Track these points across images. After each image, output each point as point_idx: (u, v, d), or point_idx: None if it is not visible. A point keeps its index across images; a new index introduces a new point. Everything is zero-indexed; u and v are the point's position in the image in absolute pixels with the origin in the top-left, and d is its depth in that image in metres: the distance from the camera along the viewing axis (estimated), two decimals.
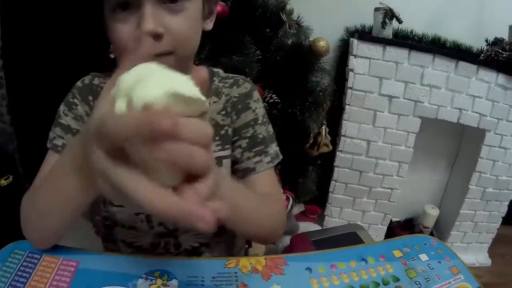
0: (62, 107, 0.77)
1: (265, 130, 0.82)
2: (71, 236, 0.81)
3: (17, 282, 0.69)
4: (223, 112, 0.80)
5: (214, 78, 0.83)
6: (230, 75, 0.86)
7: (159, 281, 0.71)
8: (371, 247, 0.87)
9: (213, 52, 0.92)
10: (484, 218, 2.27)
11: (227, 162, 0.82)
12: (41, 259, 0.74)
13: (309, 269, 0.77)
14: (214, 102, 0.80)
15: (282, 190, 1.80)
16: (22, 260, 0.74)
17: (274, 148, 0.83)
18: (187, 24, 0.67)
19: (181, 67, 0.70)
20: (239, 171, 0.81)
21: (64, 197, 0.54)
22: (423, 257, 0.84)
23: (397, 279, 0.77)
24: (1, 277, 0.70)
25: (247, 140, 0.81)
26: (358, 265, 0.79)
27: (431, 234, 2.40)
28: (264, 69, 1.51)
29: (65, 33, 1.67)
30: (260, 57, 1.47)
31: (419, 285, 0.75)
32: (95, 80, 0.79)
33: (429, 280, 0.77)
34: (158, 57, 0.64)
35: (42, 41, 1.82)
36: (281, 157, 0.84)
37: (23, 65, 1.91)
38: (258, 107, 0.84)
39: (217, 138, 0.80)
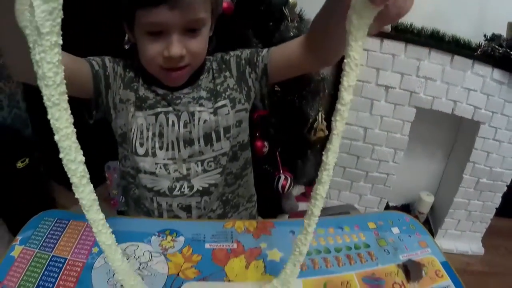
0: (107, 57, 1.05)
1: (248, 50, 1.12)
2: None
3: (48, 243, 0.87)
4: (212, 81, 1.09)
5: (207, 62, 1.11)
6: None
7: (169, 238, 0.91)
8: (349, 218, 1.08)
9: (219, 46, 1.16)
10: (478, 208, 2.62)
11: (244, 115, 1.12)
12: (69, 223, 0.93)
13: (292, 232, 0.95)
14: (205, 77, 1.10)
15: (281, 171, 2.17)
16: (52, 225, 0.92)
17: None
18: (202, 43, 0.97)
19: (195, 69, 1.03)
20: (273, 68, 1.06)
21: None
22: (395, 230, 0.99)
23: (367, 246, 0.93)
24: (34, 240, 0.87)
25: (247, 62, 1.09)
26: (335, 232, 0.97)
27: (427, 219, 2.82)
28: None
29: (84, 23, 1.96)
30: None
31: (387, 253, 0.92)
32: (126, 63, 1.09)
33: (398, 249, 0.93)
34: (179, 69, 0.96)
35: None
36: None
37: None
38: (231, 52, 1.13)
39: (224, 96, 1.08)
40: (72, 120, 0.57)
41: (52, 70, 0.53)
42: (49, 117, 0.55)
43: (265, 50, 1.08)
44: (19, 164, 2.16)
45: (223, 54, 1.15)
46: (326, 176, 0.67)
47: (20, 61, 0.72)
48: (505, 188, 2.56)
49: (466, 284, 0.83)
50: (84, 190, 0.60)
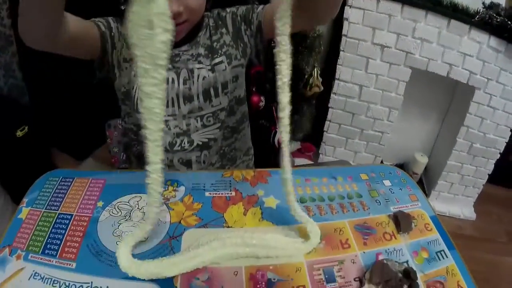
0: (110, 17, 1.09)
1: (243, 7, 1.16)
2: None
3: (54, 202, 0.90)
4: (209, 38, 1.14)
5: (205, 18, 1.16)
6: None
7: (171, 188, 0.96)
8: (342, 169, 1.12)
9: (216, 4, 1.20)
10: (471, 173, 2.68)
11: (240, 70, 1.17)
12: (73, 181, 0.96)
13: None
14: (203, 34, 1.14)
15: (277, 125, 2.22)
16: (57, 184, 0.95)
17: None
18: (200, 0, 1.02)
19: (193, 24, 1.07)
20: (267, 25, 1.10)
21: None
22: (386, 182, 1.05)
23: (360, 196, 0.99)
24: (40, 200, 0.90)
25: (243, 19, 1.14)
26: (329, 181, 1.03)
27: (420, 180, 2.88)
28: None
29: None
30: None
31: (379, 204, 0.97)
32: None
33: (388, 201, 0.98)
34: (177, 25, 0.96)
35: None
36: None
37: None
38: (228, 9, 1.17)
39: (221, 53, 1.12)
40: (162, 157, 0.67)
41: (159, 107, 0.57)
42: (146, 148, 0.64)
43: (260, 7, 1.12)
44: (19, 133, 2.18)
45: (220, 10, 1.19)
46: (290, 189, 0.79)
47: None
48: (498, 155, 2.60)
49: (456, 247, 0.88)
50: (152, 210, 0.75)
